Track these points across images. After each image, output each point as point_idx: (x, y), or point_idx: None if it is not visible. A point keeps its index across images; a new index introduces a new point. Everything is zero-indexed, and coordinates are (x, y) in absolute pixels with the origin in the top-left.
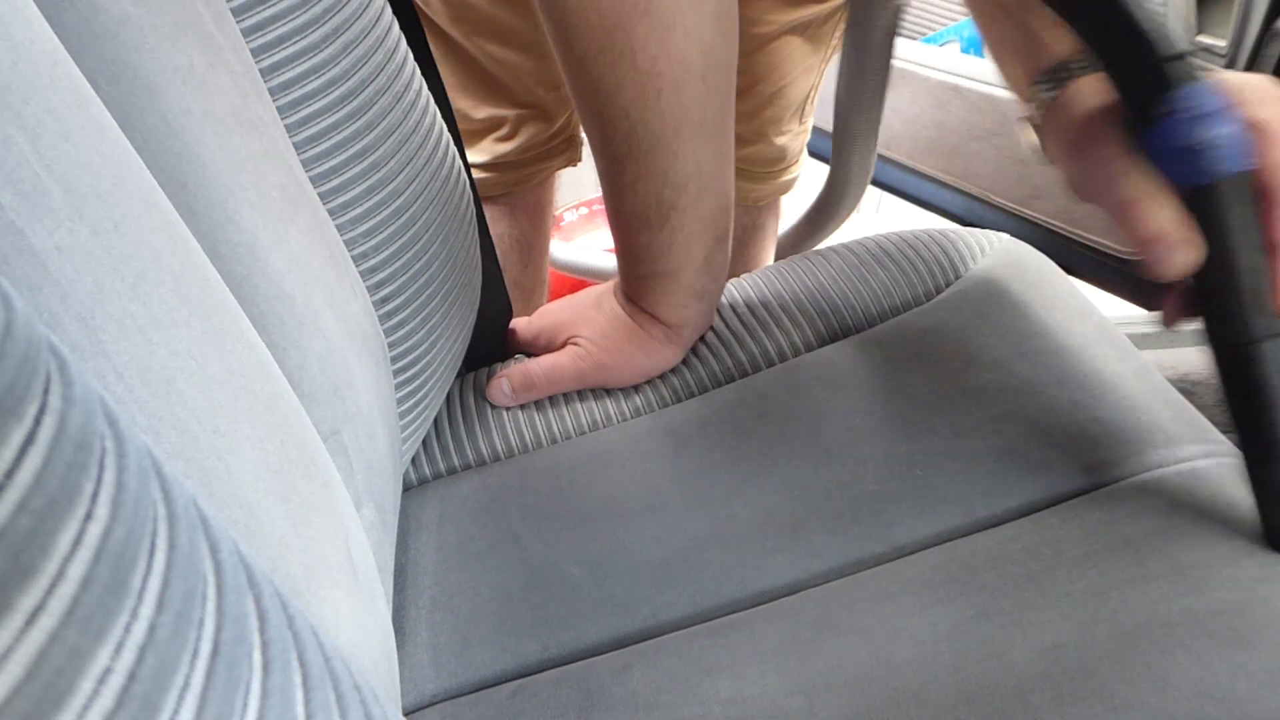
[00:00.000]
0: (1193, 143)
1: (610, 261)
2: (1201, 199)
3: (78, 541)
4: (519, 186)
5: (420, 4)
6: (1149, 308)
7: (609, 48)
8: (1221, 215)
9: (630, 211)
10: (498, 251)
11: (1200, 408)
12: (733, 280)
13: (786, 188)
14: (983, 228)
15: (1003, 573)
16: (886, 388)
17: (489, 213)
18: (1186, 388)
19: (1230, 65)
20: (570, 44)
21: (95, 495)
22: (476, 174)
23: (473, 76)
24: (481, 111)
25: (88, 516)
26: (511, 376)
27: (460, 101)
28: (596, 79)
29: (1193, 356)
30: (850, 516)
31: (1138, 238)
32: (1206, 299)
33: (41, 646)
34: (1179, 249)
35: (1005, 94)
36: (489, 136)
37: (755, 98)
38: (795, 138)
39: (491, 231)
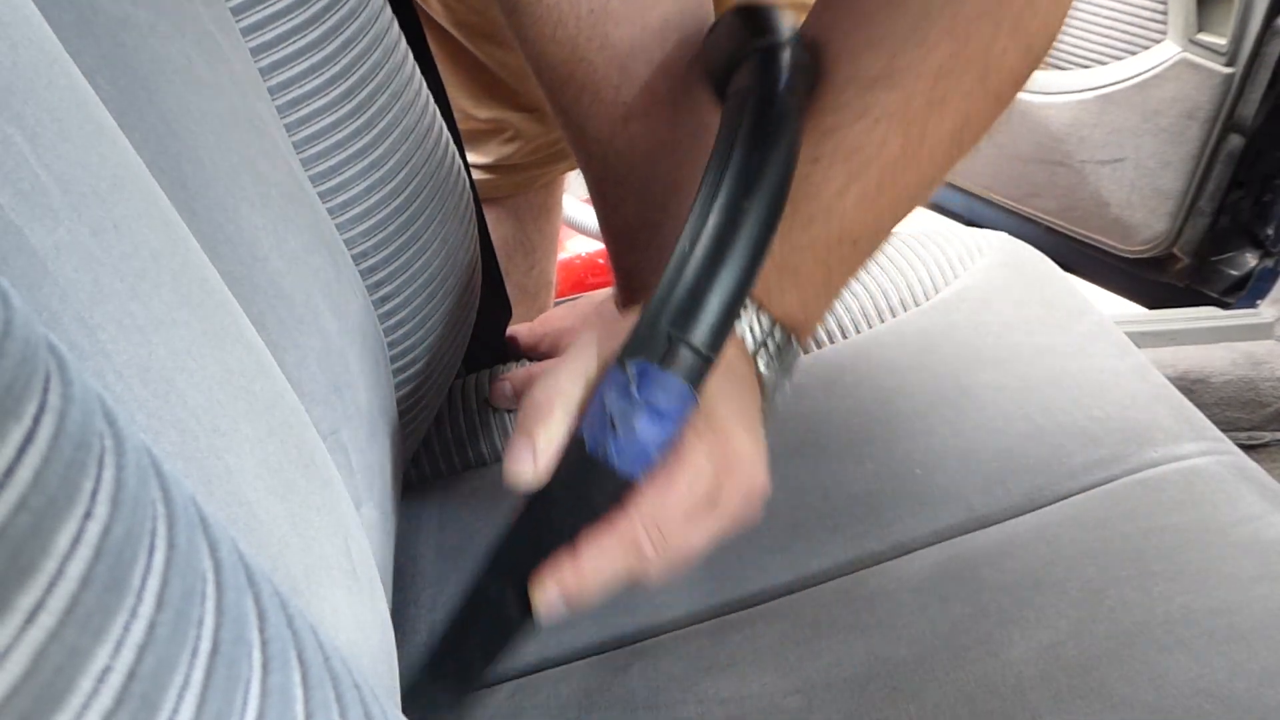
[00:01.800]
0: (613, 413)
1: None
2: (574, 456)
3: (77, 540)
4: (523, 189)
5: (422, 5)
6: (1148, 306)
7: (571, 79)
8: (575, 484)
9: (618, 231)
10: (502, 254)
11: (1199, 406)
12: None
13: None
14: (982, 226)
15: (1001, 571)
16: (885, 387)
17: (493, 215)
18: (1185, 386)
19: (1230, 63)
20: (539, 74)
21: (94, 494)
22: (480, 175)
23: (476, 78)
24: (485, 112)
25: (87, 515)
26: (514, 379)
27: (464, 102)
28: (566, 107)
29: (1192, 355)
30: (849, 515)
31: (518, 427)
32: (512, 532)
33: (41, 645)
34: (526, 465)
35: None
36: (493, 138)
37: None
38: None
39: (496, 234)
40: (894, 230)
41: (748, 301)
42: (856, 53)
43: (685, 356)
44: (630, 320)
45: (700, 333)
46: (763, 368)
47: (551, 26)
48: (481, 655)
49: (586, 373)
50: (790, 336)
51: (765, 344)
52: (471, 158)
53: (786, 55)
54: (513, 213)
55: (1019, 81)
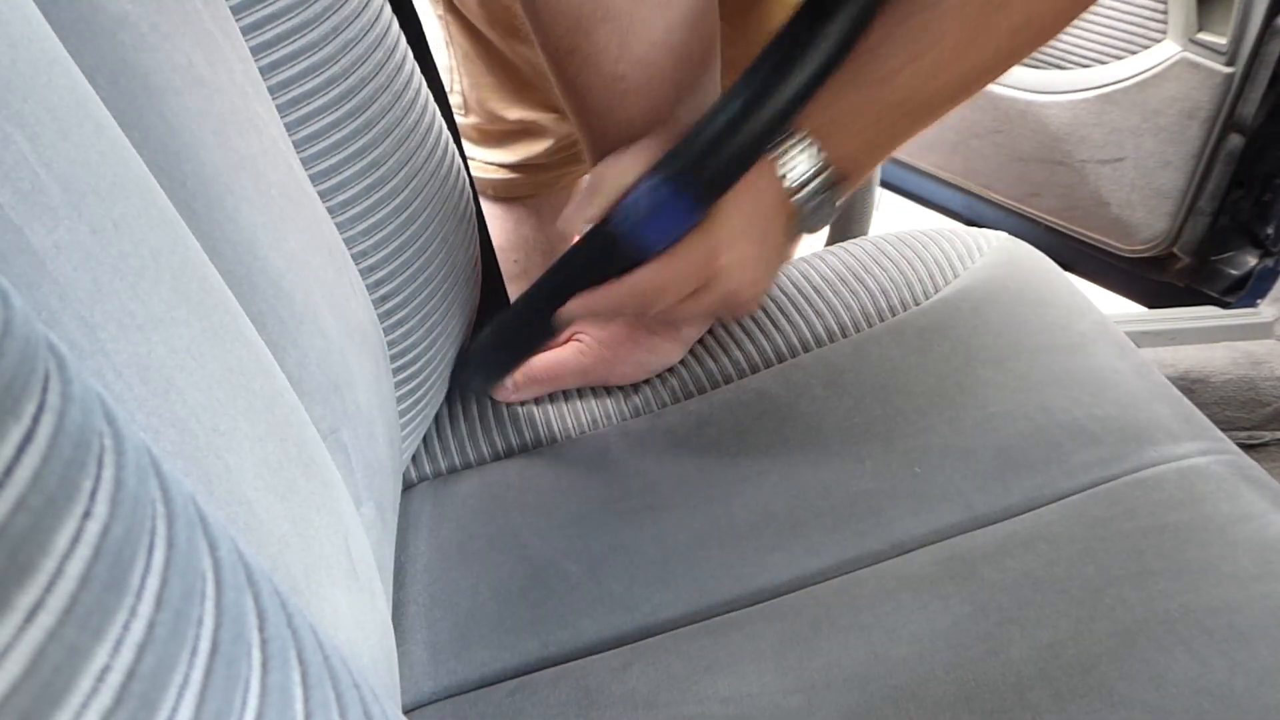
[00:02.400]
0: (642, 207)
1: None
2: (608, 227)
3: (76, 539)
4: (547, 189)
5: (458, 5)
6: (1148, 305)
7: (575, 50)
8: (601, 247)
9: None
10: (522, 253)
11: (1199, 405)
12: None
13: None
14: (982, 225)
15: (1001, 570)
16: (885, 387)
17: (516, 215)
18: (1186, 385)
19: (1230, 62)
20: (544, 44)
21: (94, 493)
22: (505, 175)
23: (507, 78)
24: (514, 113)
25: (86, 514)
26: (515, 374)
27: (493, 103)
28: (569, 79)
29: (1192, 354)
30: (848, 514)
31: (580, 195)
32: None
33: (40, 644)
34: (572, 222)
35: (1005, 91)
36: (521, 139)
37: None
38: None
39: (518, 234)
40: (951, 108)
41: (806, 138)
42: None
43: (700, 183)
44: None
45: (715, 167)
46: (801, 198)
47: None
48: (518, 350)
49: (631, 171)
50: (836, 180)
51: (809, 181)
52: (499, 158)
53: None
54: (534, 213)
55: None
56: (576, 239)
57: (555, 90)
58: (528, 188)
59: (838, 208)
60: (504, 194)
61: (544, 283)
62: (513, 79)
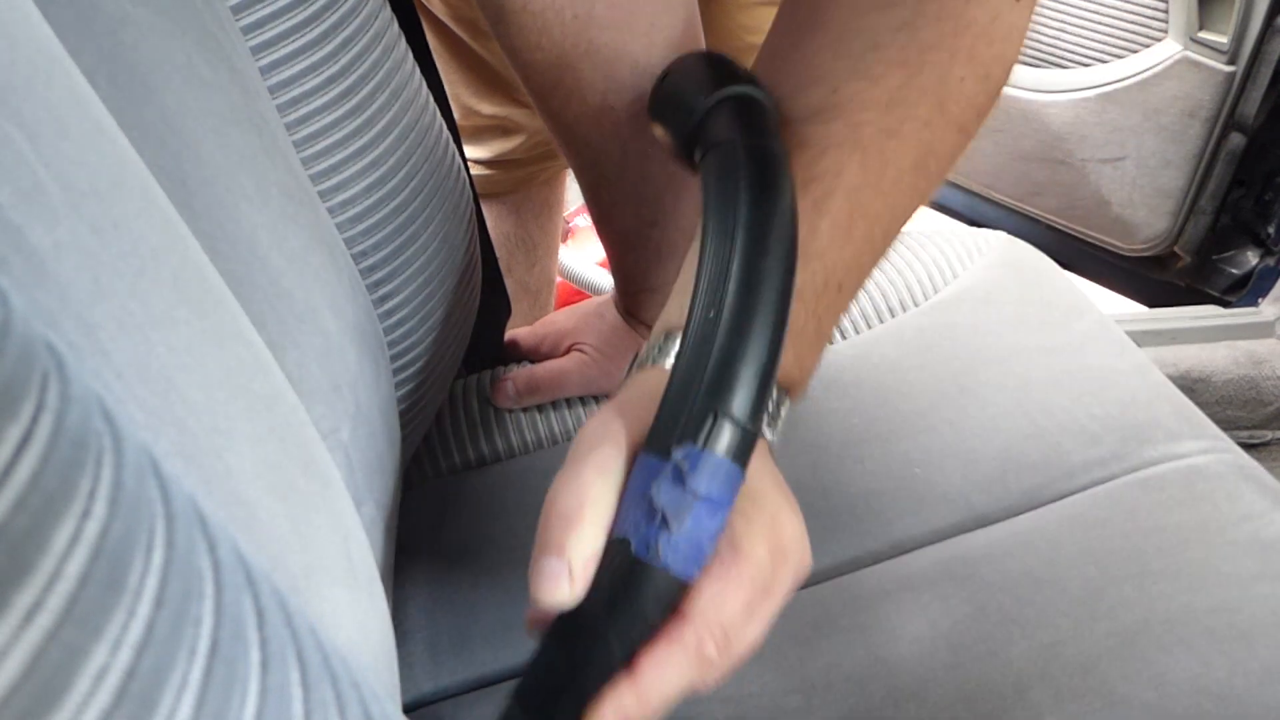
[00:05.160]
0: (664, 508)
1: (605, 277)
2: (618, 563)
3: (75, 539)
4: (525, 184)
5: (423, 1)
6: (1149, 304)
7: (559, 85)
8: (624, 594)
9: (615, 232)
10: (504, 251)
11: (1200, 405)
12: None
13: None
14: (983, 224)
15: (1001, 570)
16: (885, 387)
17: (495, 212)
18: (1186, 385)
19: (1231, 61)
20: (526, 80)
21: (93, 493)
22: (481, 171)
23: (479, 74)
24: (489, 108)
25: (85, 514)
26: (516, 379)
27: (467, 98)
28: (555, 112)
29: (1193, 354)
30: (849, 515)
31: (544, 542)
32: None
33: (39, 644)
34: (561, 585)
35: (1006, 90)
36: (496, 134)
37: None
38: None
39: (497, 231)
40: (872, 270)
41: None
42: (799, 90)
43: (730, 433)
44: (647, 396)
45: (741, 405)
46: (765, 432)
47: (536, 34)
48: None
49: (614, 469)
50: (786, 395)
51: (778, 410)
52: (473, 153)
53: (767, 102)
54: (514, 210)
55: (981, 110)
56: (554, 618)
57: (539, 113)
58: (505, 184)
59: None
60: (482, 191)
61: (530, 690)
62: (483, 74)
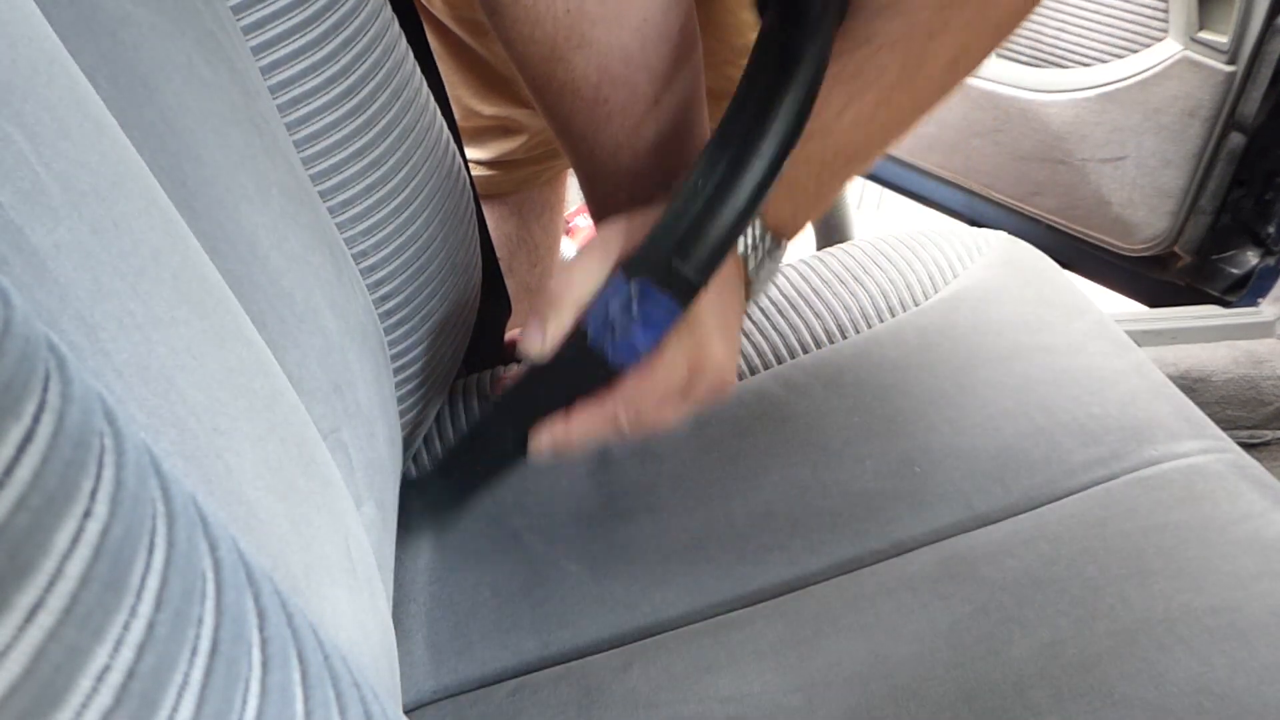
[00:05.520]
0: (613, 319)
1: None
2: (576, 342)
3: (76, 539)
4: (526, 185)
5: (424, 2)
6: (1149, 304)
7: (553, 78)
8: (574, 364)
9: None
10: (505, 251)
11: (1200, 405)
12: None
13: None
14: (983, 224)
15: (1001, 569)
16: (885, 387)
17: (497, 212)
18: (1187, 384)
19: (1232, 61)
20: (522, 73)
21: (94, 493)
22: (483, 172)
23: (481, 74)
24: (491, 109)
25: (86, 514)
26: (516, 377)
27: (469, 100)
28: (550, 105)
29: (1193, 353)
30: (849, 514)
31: (534, 310)
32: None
33: (40, 644)
34: (536, 342)
35: (1006, 90)
36: (497, 134)
37: None
38: None
39: (499, 231)
40: (883, 152)
41: None
42: None
43: (680, 280)
44: (640, 232)
45: (695, 264)
46: (751, 268)
47: (530, 27)
48: (479, 477)
49: (597, 275)
50: (780, 240)
51: (756, 248)
52: (475, 154)
53: None
54: (516, 210)
55: (1020, 12)
56: (529, 365)
57: (536, 106)
58: (507, 184)
59: (778, 269)
60: (483, 191)
61: (508, 403)
62: (484, 75)
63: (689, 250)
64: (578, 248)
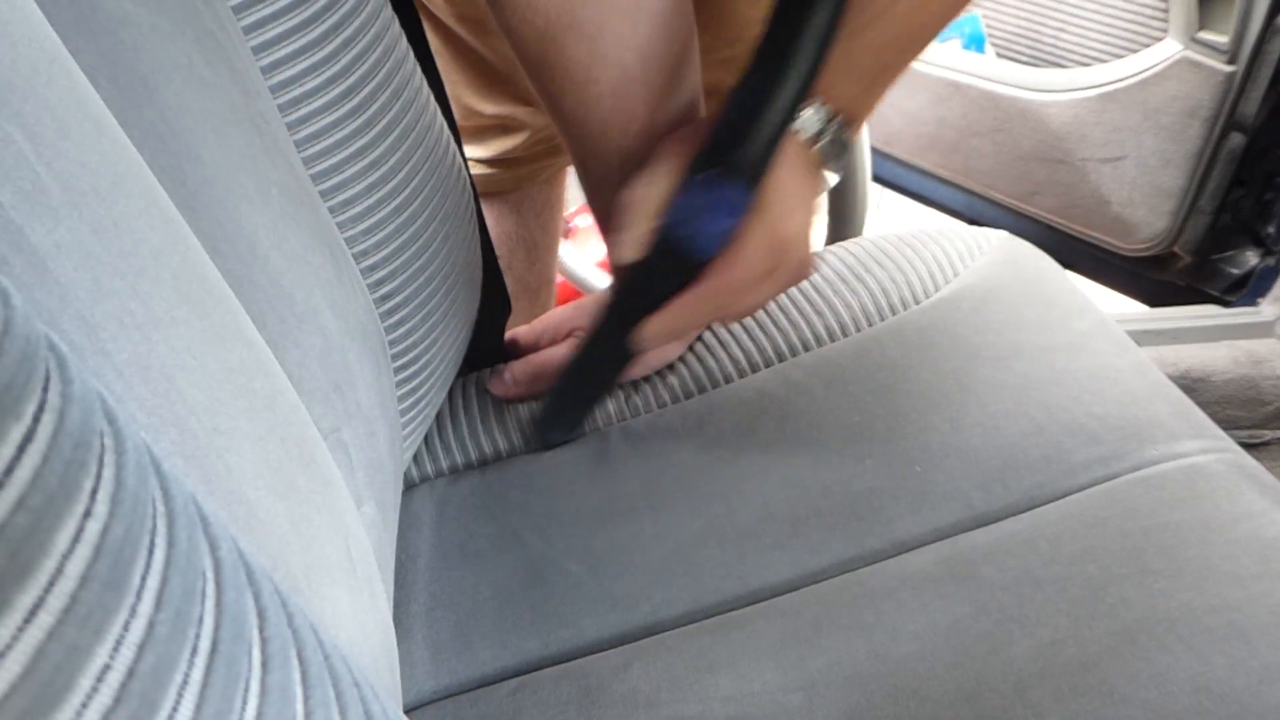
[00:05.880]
0: (690, 211)
1: (604, 278)
2: (659, 244)
3: (76, 539)
4: (526, 183)
5: (425, 0)
6: (1149, 304)
7: (544, 58)
8: (662, 261)
9: (604, 207)
10: (504, 249)
11: (1200, 404)
12: None
13: None
14: (983, 223)
15: (1002, 569)
16: (885, 386)
17: (495, 211)
18: (1187, 384)
19: (1232, 61)
20: (518, 54)
21: (94, 492)
22: (483, 170)
23: (481, 73)
24: (490, 107)
25: (86, 514)
26: (514, 368)
27: (468, 98)
28: (543, 86)
29: (1193, 353)
30: (849, 513)
31: (617, 213)
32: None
33: (40, 643)
34: (626, 249)
35: (1006, 90)
36: (497, 133)
37: None
38: None
39: (498, 229)
40: (939, 30)
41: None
42: None
43: (744, 167)
44: (699, 136)
45: (755, 149)
46: (820, 152)
47: (523, 8)
48: (595, 386)
49: (666, 180)
50: (846, 123)
51: (823, 131)
52: (474, 152)
53: None
54: (515, 208)
55: None
56: (618, 270)
57: (532, 89)
58: (507, 182)
59: (850, 145)
60: (482, 190)
61: (607, 316)
62: (485, 73)
63: (747, 137)
64: (576, 248)
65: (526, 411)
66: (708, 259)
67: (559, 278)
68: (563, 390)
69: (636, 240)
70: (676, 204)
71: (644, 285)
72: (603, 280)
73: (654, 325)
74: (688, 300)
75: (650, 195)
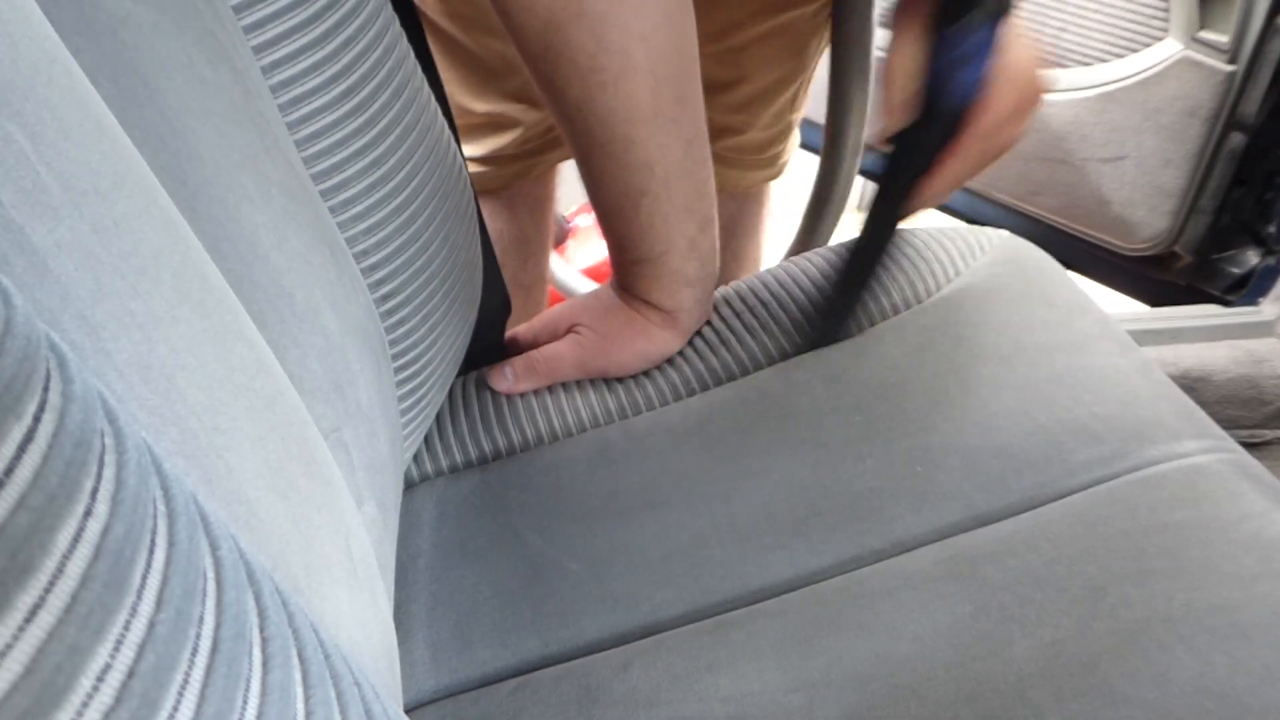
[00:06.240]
0: (945, 66)
1: (591, 286)
2: (925, 100)
3: (77, 538)
4: (518, 180)
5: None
6: (1150, 303)
7: (549, 48)
8: (927, 119)
9: (606, 202)
10: (497, 247)
11: (1201, 404)
12: (734, 281)
13: (775, 174)
14: (984, 223)
15: (1002, 569)
16: (886, 385)
17: (488, 208)
18: (1187, 384)
19: (1232, 60)
20: (520, 46)
21: (95, 492)
22: (475, 168)
23: (471, 70)
24: (481, 105)
25: (87, 513)
26: (513, 362)
27: (460, 96)
28: (546, 77)
29: (1194, 353)
30: (850, 513)
31: (884, 83)
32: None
33: (41, 643)
34: (888, 118)
35: None
36: (488, 131)
37: (739, 94)
38: (785, 128)
39: (490, 227)
40: None
41: None
42: None
43: (988, 12)
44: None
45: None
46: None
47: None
48: (875, 267)
49: (913, 47)
50: None
51: None
52: (467, 150)
53: None
54: (507, 206)
55: None
56: (891, 139)
57: (530, 82)
58: (498, 180)
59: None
60: (474, 187)
61: (887, 191)
62: (477, 71)
63: None
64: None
65: (526, 410)
66: (966, 109)
67: (549, 271)
68: (845, 281)
69: (907, 105)
70: (935, 61)
71: (917, 148)
72: (589, 287)
73: (934, 184)
74: (959, 149)
75: (907, 60)
